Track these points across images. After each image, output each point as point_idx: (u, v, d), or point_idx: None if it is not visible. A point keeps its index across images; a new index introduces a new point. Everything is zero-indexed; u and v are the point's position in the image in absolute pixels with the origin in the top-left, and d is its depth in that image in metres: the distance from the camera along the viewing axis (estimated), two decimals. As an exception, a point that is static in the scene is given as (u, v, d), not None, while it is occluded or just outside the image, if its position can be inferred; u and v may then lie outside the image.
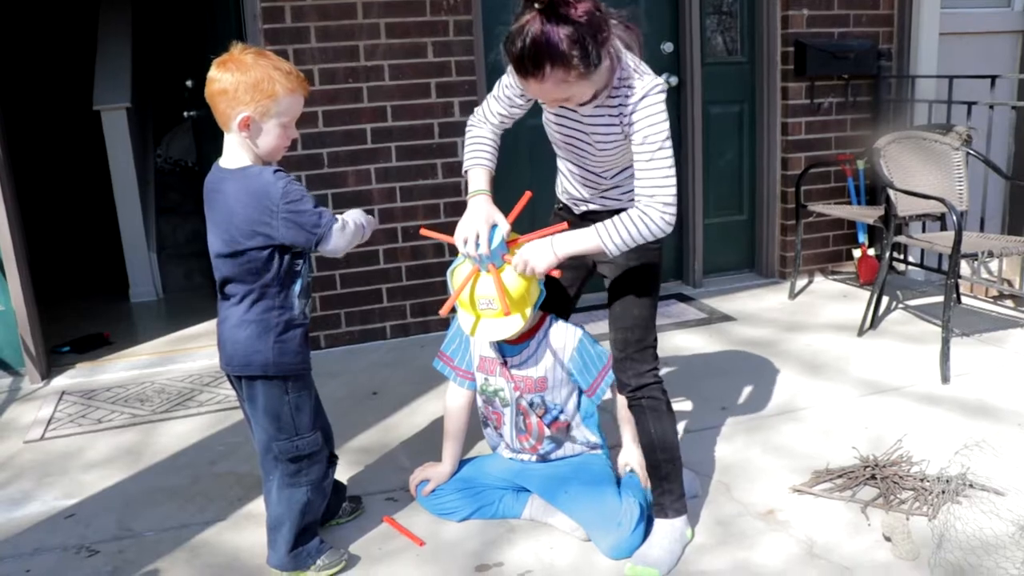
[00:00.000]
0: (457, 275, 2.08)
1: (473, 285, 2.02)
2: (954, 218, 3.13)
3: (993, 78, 3.85)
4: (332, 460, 2.16)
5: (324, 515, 2.18)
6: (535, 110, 2.13)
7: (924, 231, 4.05)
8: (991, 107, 3.85)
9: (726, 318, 3.90)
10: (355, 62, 3.57)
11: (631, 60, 1.89)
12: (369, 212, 3.59)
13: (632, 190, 2.05)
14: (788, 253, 4.36)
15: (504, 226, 2.01)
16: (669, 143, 1.87)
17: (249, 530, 2.29)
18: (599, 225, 1.92)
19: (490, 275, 2.00)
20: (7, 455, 2.83)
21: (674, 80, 4.22)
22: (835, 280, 4.44)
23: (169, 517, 2.38)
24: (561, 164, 2.20)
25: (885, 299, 3.90)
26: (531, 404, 2.23)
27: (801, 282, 4.32)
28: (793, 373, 3.20)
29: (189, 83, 4.60)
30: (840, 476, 2.40)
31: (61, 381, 3.54)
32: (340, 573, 2.08)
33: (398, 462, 2.63)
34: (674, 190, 1.87)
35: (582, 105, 1.92)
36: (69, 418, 3.12)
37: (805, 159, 4.29)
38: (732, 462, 2.54)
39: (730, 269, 4.58)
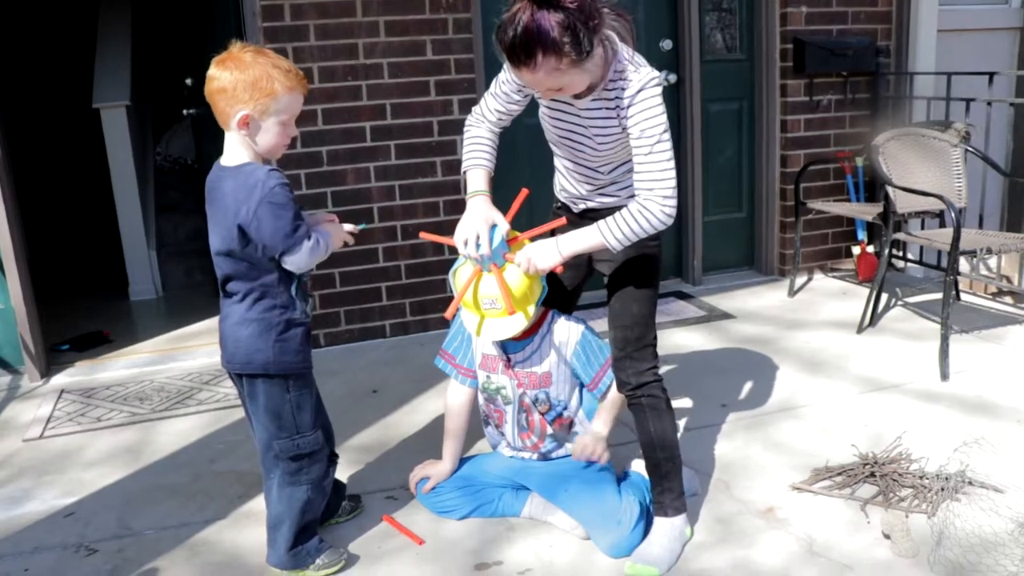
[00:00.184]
0: (459, 276, 2.08)
1: (476, 285, 2.03)
2: (953, 215, 3.14)
3: (991, 75, 3.85)
4: (332, 459, 2.17)
5: (324, 514, 2.19)
6: (532, 108, 2.13)
7: (923, 228, 4.05)
8: (989, 104, 3.85)
9: (725, 316, 3.90)
10: (354, 60, 3.57)
11: (627, 53, 1.89)
12: (368, 212, 3.65)
13: (629, 186, 2.06)
14: (787, 250, 4.37)
15: (504, 225, 2.01)
16: (667, 136, 1.87)
17: (249, 528, 2.29)
18: (600, 222, 1.92)
19: (492, 275, 2.00)
20: (6, 454, 2.83)
21: (673, 77, 4.22)
22: (834, 277, 4.44)
23: (169, 515, 2.38)
24: (558, 162, 2.20)
25: (884, 296, 3.90)
26: (535, 400, 2.23)
27: (800, 279, 4.32)
28: (792, 370, 3.20)
29: (188, 81, 4.60)
30: (839, 474, 2.40)
31: (60, 379, 3.54)
32: (340, 572, 2.08)
33: (398, 460, 2.63)
34: (673, 183, 1.87)
35: (578, 98, 1.92)
36: (68, 416, 3.12)
37: (804, 156, 4.29)
38: (732, 460, 2.54)
39: (729, 266, 4.58)
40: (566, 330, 2.21)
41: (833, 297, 4.12)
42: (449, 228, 2.06)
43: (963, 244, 3.16)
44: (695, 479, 2.38)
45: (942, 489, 2.21)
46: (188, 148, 5.78)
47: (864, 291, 3.98)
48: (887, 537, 2.10)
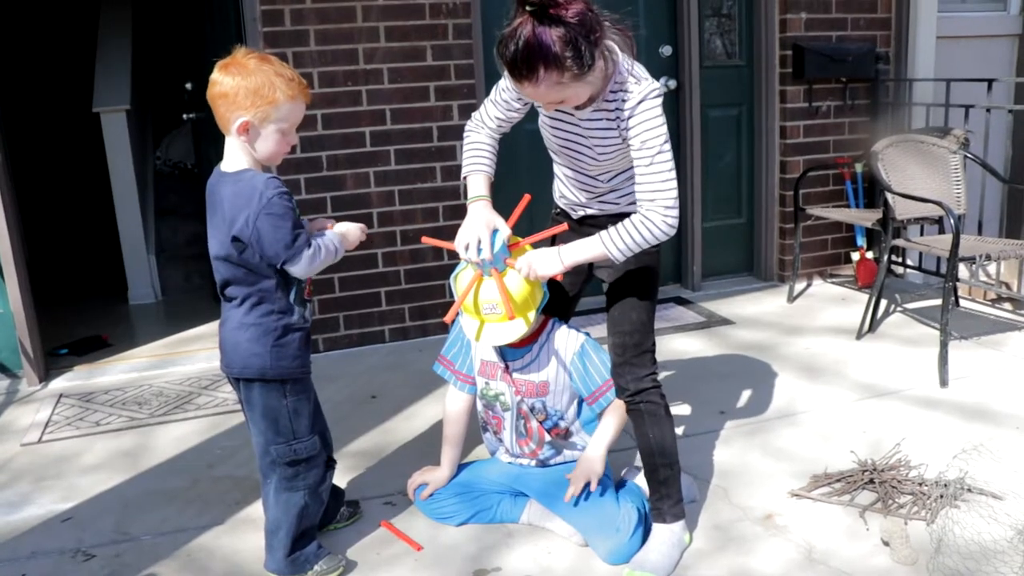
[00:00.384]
0: (460, 281, 2.08)
1: (476, 290, 2.02)
2: (952, 221, 3.14)
3: (990, 81, 3.86)
4: (330, 464, 2.16)
5: (322, 519, 2.18)
6: (533, 114, 2.13)
7: (922, 234, 4.05)
8: (988, 110, 3.85)
9: (725, 321, 3.90)
10: (354, 65, 3.57)
11: (627, 63, 1.89)
12: (367, 217, 3.65)
13: (629, 193, 2.07)
14: (787, 256, 4.37)
15: (505, 230, 2.01)
16: (668, 147, 1.87)
17: (247, 534, 2.28)
18: (603, 233, 1.92)
19: (493, 279, 2.00)
20: (4, 458, 2.83)
21: (672, 83, 4.22)
22: (833, 283, 4.44)
23: (166, 521, 2.37)
24: (558, 169, 2.21)
25: (883, 302, 3.90)
26: (532, 409, 2.23)
27: (800, 285, 4.32)
28: (792, 377, 3.20)
29: (189, 85, 4.60)
30: (838, 480, 2.40)
31: (59, 384, 3.54)
32: (338, 578, 2.08)
33: (396, 466, 2.63)
34: (675, 193, 1.88)
35: (579, 108, 1.93)
36: (67, 421, 3.12)
37: (803, 162, 4.29)
38: (730, 466, 2.54)
39: (728, 272, 4.58)
40: (566, 340, 2.20)
41: (832, 303, 4.12)
42: (448, 233, 2.06)
43: (962, 250, 3.16)
44: (694, 485, 2.38)
45: (941, 496, 2.21)
46: (188, 152, 5.79)
47: (863, 297, 3.98)
48: (886, 544, 2.10)
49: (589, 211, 2.17)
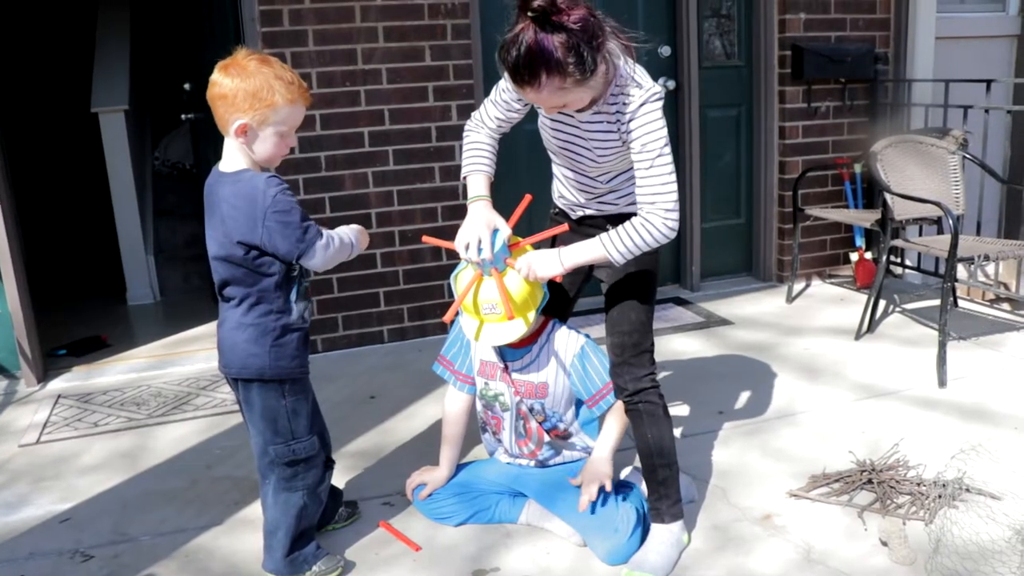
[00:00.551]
0: (460, 281, 2.08)
1: (476, 290, 2.02)
2: (950, 222, 3.14)
3: (989, 82, 3.86)
4: (329, 465, 2.16)
5: (321, 520, 2.18)
6: (532, 114, 2.13)
7: (921, 235, 4.05)
8: (987, 111, 3.86)
9: (723, 322, 3.90)
10: (353, 65, 3.57)
11: (628, 66, 1.89)
12: (366, 218, 3.65)
13: (628, 194, 2.07)
14: (785, 257, 4.37)
15: (505, 230, 2.01)
16: (668, 149, 1.87)
17: (246, 535, 2.28)
18: (603, 235, 1.92)
19: (493, 279, 2.00)
20: (2, 459, 2.82)
21: (671, 84, 4.22)
22: (832, 284, 4.44)
23: (165, 521, 2.37)
24: (556, 170, 2.21)
25: (882, 303, 3.90)
26: (531, 409, 2.23)
27: (798, 286, 4.32)
28: (790, 377, 3.20)
29: (187, 86, 4.60)
30: (837, 481, 2.40)
31: (57, 384, 3.53)
32: (336, 578, 2.08)
33: (395, 467, 2.63)
34: (675, 196, 1.88)
35: (579, 111, 1.93)
36: (65, 422, 3.12)
37: (802, 163, 4.30)
38: (729, 467, 2.54)
39: (727, 273, 4.58)
40: (566, 341, 2.20)
41: (831, 303, 4.12)
42: (447, 233, 2.06)
43: (961, 251, 3.16)
44: (692, 486, 2.38)
45: (939, 496, 2.21)
46: (186, 153, 5.78)
47: (862, 297, 3.98)
48: (884, 544, 2.10)
49: (588, 211, 2.17)
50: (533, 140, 2.42)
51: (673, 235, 1.90)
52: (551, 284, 2.12)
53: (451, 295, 2.13)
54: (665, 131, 1.87)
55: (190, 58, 5.01)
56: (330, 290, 3.71)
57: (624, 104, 1.87)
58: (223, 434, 2.93)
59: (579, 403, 2.26)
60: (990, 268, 4.14)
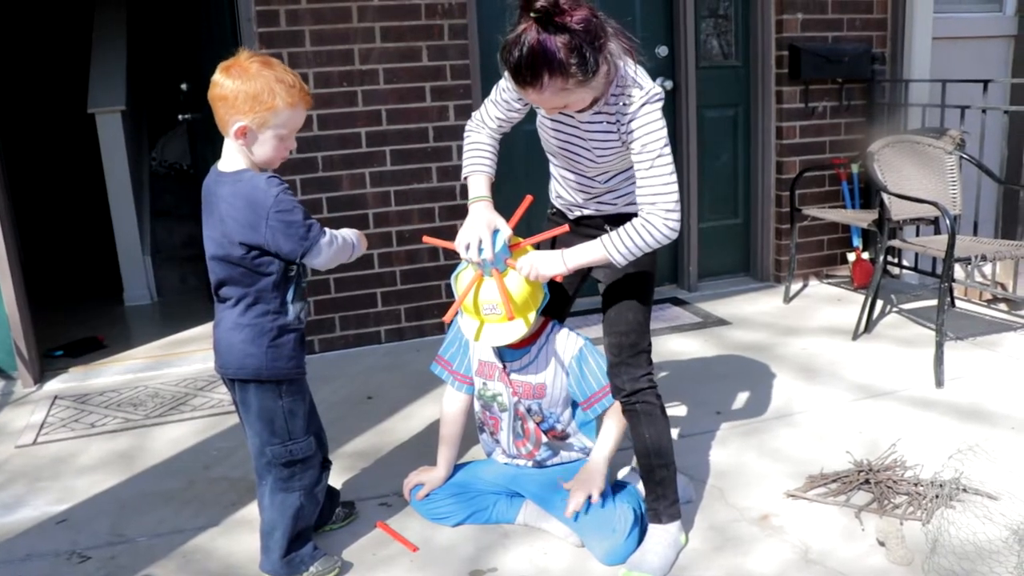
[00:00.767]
0: (460, 281, 2.07)
1: (476, 290, 2.02)
2: (948, 222, 3.14)
3: (986, 82, 3.87)
4: (326, 465, 2.16)
5: (318, 520, 2.18)
6: (531, 115, 2.13)
7: (918, 235, 4.05)
8: (984, 111, 3.86)
9: (721, 322, 3.90)
10: (350, 66, 3.57)
11: (629, 67, 1.89)
12: (363, 218, 3.65)
13: (626, 194, 2.07)
14: (783, 257, 4.37)
15: (506, 231, 2.01)
16: (668, 150, 1.87)
17: (243, 535, 2.28)
18: (604, 237, 1.92)
19: (493, 280, 2.00)
20: (-1, 460, 2.82)
21: (669, 84, 4.22)
22: (829, 284, 4.44)
23: (162, 522, 2.37)
24: (554, 170, 2.20)
25: (879, 303, 3.91)
26: (529, 410, 2.23)
27: (796, 286, 4.33)
28: (788, 377, 3.20)
29: (184, 86, 4.60)
30: (834, 481, 2.40)
31: (54, 385, 3.53)
32: (333, 579, 2.08)
33: (392, 467, 2.62)
34: (675, 196, 1.87)
35: (580, 112, 1.92)
36: (62, 423, 3.11)
37: (799, 163, 4.30)
38: (727, 467, 2.54)
39: (725, 273, 4.58)
40: (565, 343, 2.20)
41: (828, 304, 4.12)
42: (445, 234, 2.07)
43: (958, 251, 3.16)
44: (690, 486, 2.38)
45: (937, 496, 2.21)
46: (183, 153, 5.78)
47: (859, 298, 3.98)
48: (882, 544, 2.10)
49: (585, 212, 2.17)
50: (532, 140, 2.41)
51: (674, 236, 1.90)
52: (551, 284, 2.12)
53: (449, 295, 2.13)
54: (665, 132, 1.87)
55: (187, 59, 5.01)
56: (327, 290, 3.71)
57: (625, 105, 1.87)
58: (220, 435, 2.93)
59: (575, 404, 2.26)
60: (987, 268, 4.14)
